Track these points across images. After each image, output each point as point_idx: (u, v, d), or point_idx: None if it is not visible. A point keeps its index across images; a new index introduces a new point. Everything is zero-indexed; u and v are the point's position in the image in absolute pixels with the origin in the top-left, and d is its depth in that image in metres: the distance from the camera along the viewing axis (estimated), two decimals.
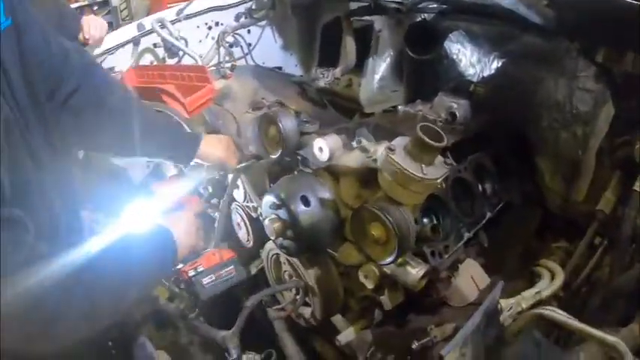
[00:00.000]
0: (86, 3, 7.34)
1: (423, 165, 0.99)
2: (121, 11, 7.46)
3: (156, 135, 1.42)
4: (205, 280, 1.38)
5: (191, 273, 1.38)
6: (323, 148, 1.22)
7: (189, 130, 1.63)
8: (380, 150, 1.08)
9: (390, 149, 1.00)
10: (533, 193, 1.73)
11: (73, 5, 7.22)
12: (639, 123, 1.36)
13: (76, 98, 1.22)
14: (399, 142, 1.03)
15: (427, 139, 0.95)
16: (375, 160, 1.10)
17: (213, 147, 1.52)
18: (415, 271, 1.12)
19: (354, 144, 1.10)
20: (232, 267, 1.43)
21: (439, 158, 1.04)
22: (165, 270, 1.24)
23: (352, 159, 1.21)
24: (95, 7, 7.52)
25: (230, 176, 1.64)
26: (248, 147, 1.73)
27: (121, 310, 1.11)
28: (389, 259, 1.06)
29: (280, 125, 1.25)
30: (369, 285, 1.20)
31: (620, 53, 1.44)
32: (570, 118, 1.58)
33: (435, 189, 1.17)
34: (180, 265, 1.38)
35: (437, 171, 1.02)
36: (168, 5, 5.15)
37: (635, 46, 1.37)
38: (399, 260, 1.12)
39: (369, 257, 1.12)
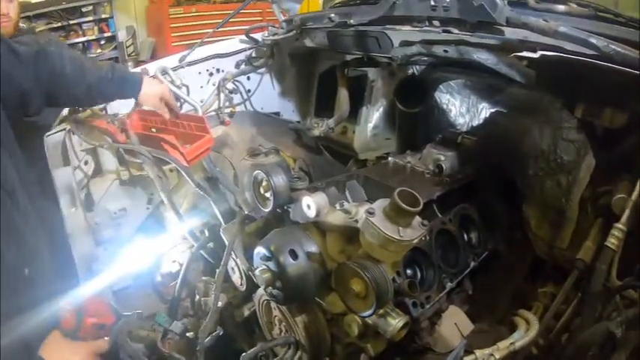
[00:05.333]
0: (94, 37, 7.55)
1: (400, 227, 1.07)
2: (127, 47, 7.70)
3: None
4: None
5: None
6: (311, 205, 1.29)
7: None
8: (361, 212, 1.17)
9: (370, 212, 1.09)
10: (521, 240, 1.78)
11: (80, 40, 7.45)
12: (618, 175, 1.41)
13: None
14: (379, 204, 1.12)
15: (403, 205, 1.03)
16: (356, 221, 1.18)
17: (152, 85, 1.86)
18: (395, 322, 1.19)
19: (337, 206, 1.18)
20: None
21: (416, 219, 1.12)
22: None
23: (337, 217, 1.28)
24: (102, 42, 7.74)
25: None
26: (244, 193, 1.82)
27: None
28: (368, 312, 1.13)
29: (272, 182, 1.34)
30: (353, 333, 1.26)
31: (599, 109, 1.50)
32: (555, 166, 1.65)
33: (418, 243, 1.27)
34: None
35: (413, 233, 1.10)
36: (173, 44, 5.34)
37: (611, 102, 1.46)
38: (380, 311, 1.18)
39: (350, 309, 1.19)
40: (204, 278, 1.89)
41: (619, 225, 1.25)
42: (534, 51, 1.35)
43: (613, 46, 1.24)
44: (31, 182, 1.37)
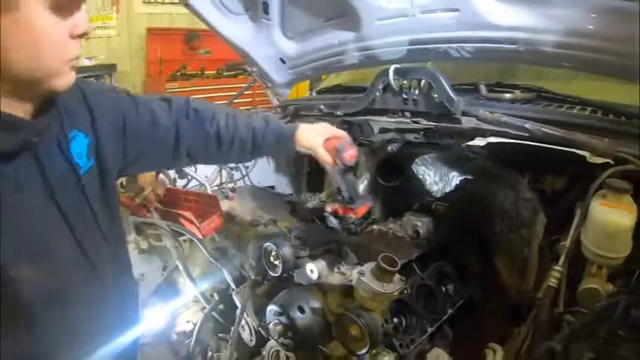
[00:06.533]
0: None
1: (384, 283, 1.39)
2: None
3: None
4: None
5: None
6: (313, 270, 1.60)
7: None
8: (354, 273, 1.49)
9: (361, 273, 1.41)
10: (496, 287, 1.93)
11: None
12: (562, 227, 1.58)
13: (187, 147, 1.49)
14: (367, 266, 1.43)
15: (385, 266, 1.35)
16: (351, 280, 1.50)
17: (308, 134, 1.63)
18: (386, 359, 1.49)
19: (335, 270, 1.50)
20: None
21: (396, 276, 1.42)
22: None
23: (335, 278, 1.58)
24: None
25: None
26: (250, 261, 2.10)
27: None
28: (364, 351, 1.42)
29: (280, 252, 1.65)
30: None
31: (542, 176, 1.81)
32: (517, 223, 1.83)
33: (402, 294, 1.53)
34: None
35: (394, 286, 1.40)
36: None
37: (550, 171, 1.76)
38: (373, 351, 1.47)
39: (349, 350, 1.48)
40: (220, 335, 2.14)
41: (557, 267, 1.44)
42: (484, 136, 1.67)
43: (542, 129, 1.56)
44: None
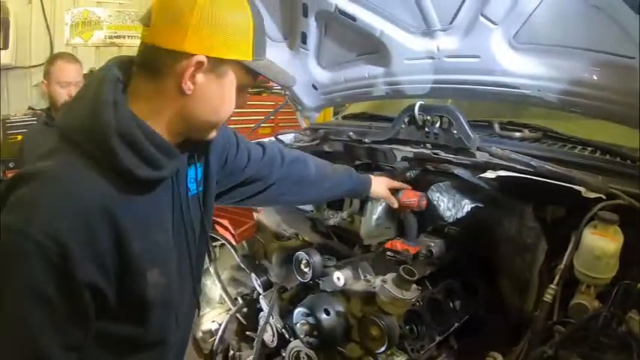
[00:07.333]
0: None
1: (403, 290, 1.61)
2: None
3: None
4: None
5: None
6: (340, 278, 1.82)
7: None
8: (377, 281, 1.71)
9: (384, 281, 1.63)
10: (500, 307, 2.06)
11: None
12: (560, 253, 1.71)
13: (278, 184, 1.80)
14: (389, 276, 1.66)
15: (405, 276, 1.58)
16: (374, 287, 1.72)
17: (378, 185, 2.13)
18: (399, 359, 1.69)
19: (362, 277, 1.73)
20: None
21: (413, 286, 1.64)
22: None
23: (359, 285, 1.81)
24: None
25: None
26: (274, 269, 2.31)
27: None
28: (382, 349, 1.64)
29: (311, 260, 1.87)
30: None
31: (543, 206, 1.94)
32: (521, 248, 1.95)
33: (414, 306, 1.77)
34: None
35: (412, 294, 1.62)
36: None
37: (550, 202, 1.90)
38: (389, 352, 1.68)
39: (367, 349, 1.69)
40: (247, 333, 2.34)
41: (552, 285, 1.64)
42: (495, 169, 1.87)
43: (546, 166, 1.76)
44: None
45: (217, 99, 1.17)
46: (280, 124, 5.17)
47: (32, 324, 0.97)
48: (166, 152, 1.15)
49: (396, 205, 2.15)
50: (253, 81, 1.22)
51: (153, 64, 1.11)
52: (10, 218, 0.97)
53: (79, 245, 0.98)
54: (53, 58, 3.23)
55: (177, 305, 1.29)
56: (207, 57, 1.09)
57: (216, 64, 1.11)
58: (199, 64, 1.08)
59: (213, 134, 1.27)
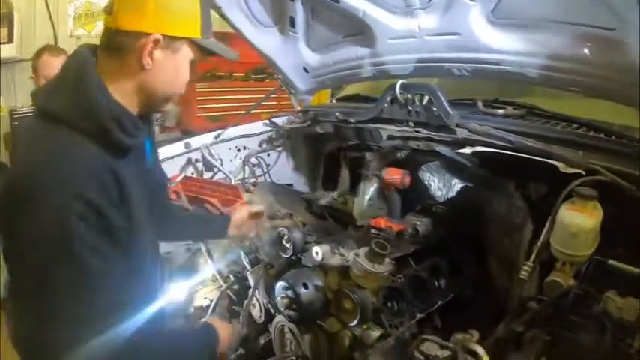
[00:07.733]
0: None
1: (376, 264, 1.64)
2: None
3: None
4: None
5: None
6: (318, 252, 1.86)
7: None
8: (351, 255, 1.74)
9: (356, 254, 1.66)
10: (488, 286, 2.08)
11: None
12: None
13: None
14: (362, 250, 1.69)
15: (377, 249, 1.61)
16: (347, 261, 1.76)
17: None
18: (374, 333, 1.69)
19: (336, 251, 1.76)
20: None
21: (386, 259, 1.67)
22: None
23: (335, 260, 1.84)
24: None
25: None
26: (265, 247, 2.35)
27: None
28: (354, 322, 1.67)
29: (292, 236, 1.91)
30: (345, 345, 1.73)
31: (525, 185, 1.97)
32: (509, 227, 1.97)
33: (394, 283, 1.80)
34: None
35: (385, 267, 1.66)
36: (197, 115, 5.85)
37: (532, 179, 1.93)
38: (364, 326, 1.70)
39: (342, 322, 1.72)
40: (234, 308, 2.38)
41: (528, 262, 1.64)
42: (473, 145, 1.91)
43: (523, 142, 1.77)
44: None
45: (172, 72, 1.35)
46: (283, 110, 5.21)
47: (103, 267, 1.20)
48: (135, 124, 1.34)
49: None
50: (202, 56, 1.40)
51: (116, 45, 1.28)
52: (43, 195, 1.14)
53: (104, 201, 1.19)
54: (39, 53, 3.32)
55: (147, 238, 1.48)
56: (163, 35, 1.27)
57: (170, 42, 1.30)
58: (156, 41, 1.26)
59: (169, 106, 1.45)
